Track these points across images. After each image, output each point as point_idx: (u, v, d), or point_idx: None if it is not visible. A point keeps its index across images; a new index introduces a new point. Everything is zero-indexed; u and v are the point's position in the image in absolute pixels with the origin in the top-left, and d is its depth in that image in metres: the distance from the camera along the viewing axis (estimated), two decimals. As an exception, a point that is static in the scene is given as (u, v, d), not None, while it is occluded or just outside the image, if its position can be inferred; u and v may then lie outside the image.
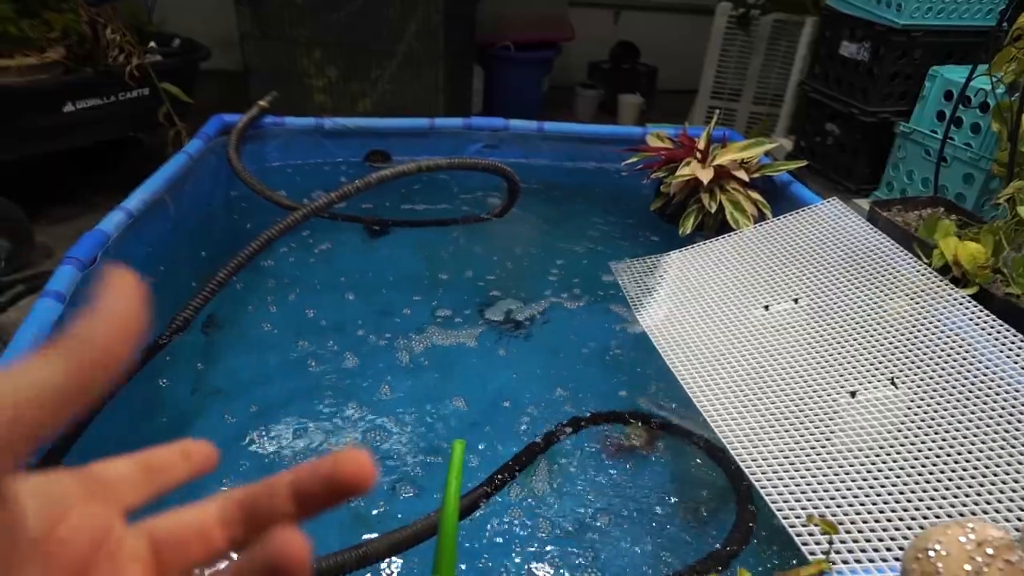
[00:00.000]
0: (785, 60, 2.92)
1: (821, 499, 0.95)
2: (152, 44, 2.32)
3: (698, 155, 1.76)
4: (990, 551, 0.49)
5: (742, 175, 1.70)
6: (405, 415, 1.31)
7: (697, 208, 1.72)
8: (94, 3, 2.03)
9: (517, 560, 1.04)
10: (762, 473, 1.00)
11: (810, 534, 0.86)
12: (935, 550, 0.50)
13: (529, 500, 1.14)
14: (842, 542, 0.87)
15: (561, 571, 1.02)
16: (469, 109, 3.10)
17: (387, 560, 0.94)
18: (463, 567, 1.02)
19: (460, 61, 2.81)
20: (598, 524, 1.10)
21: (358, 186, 1.40)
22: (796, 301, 1.40)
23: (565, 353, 1.51)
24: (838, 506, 0.93)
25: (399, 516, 1.10)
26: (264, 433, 1.25)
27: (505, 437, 1.27)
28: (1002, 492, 0.92)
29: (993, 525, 0.51)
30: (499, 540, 1.06)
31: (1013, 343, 1.16)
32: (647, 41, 3.68)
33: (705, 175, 1.68)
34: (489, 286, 1.72)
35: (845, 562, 0.84)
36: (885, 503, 0.93)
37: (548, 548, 1.06)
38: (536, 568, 1.03)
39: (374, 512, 1.11)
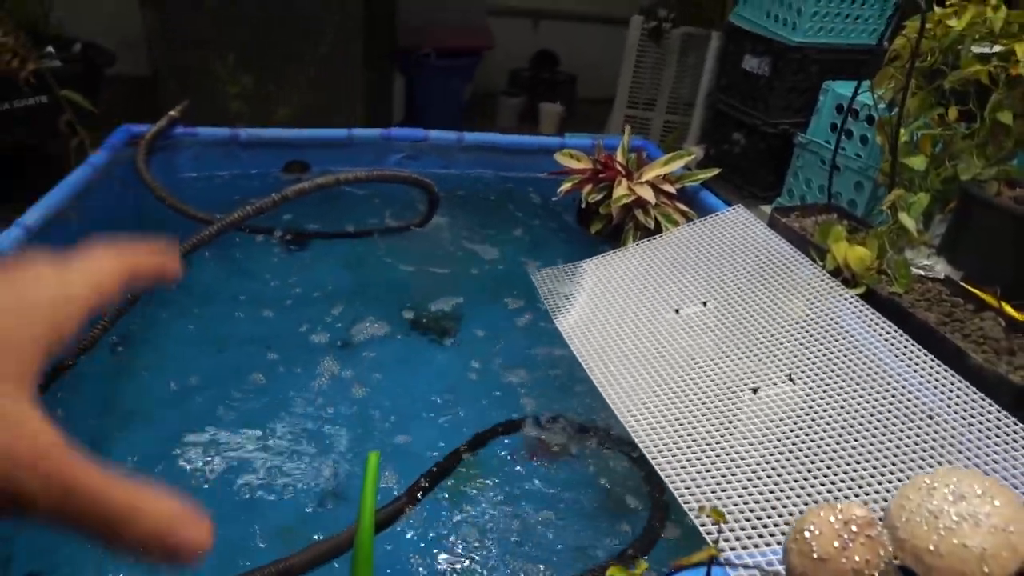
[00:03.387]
0: (695, 72, 3.06)
1: (723, 488, 1.01)
2: (50, 49, 2.21)
3: (621, 170, 1.82)
4: (854, 528, 0.55)
5: (669, 188, 1.77)
6: (330, 427, 1.31)
7: (633, 225, 1.77)
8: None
9: (440, 566, 1.06)
10: (669, 466, 1.06)
11: (707, 516, 0.92)
12: (810, 531, 0.56)
13: (450, 507, 1.16)
14: (737, 522, 0.93)
15: (482, 572, 1.05)
16: (391, 117, 3.10)
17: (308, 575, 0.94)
18: (388, 572, 1.03)
19: (380, 68, 2.81)
20: (517, 525, 1.14)
21: (276, 200, 1.39)
22: (704, 304, 1.48)
23: (491, 360, 1.54)
24: (736, 493, 1.00)
25: (325, 528, 1.10)
26: (184, 452, 1.22)
27: (431, 446, 1.29)
28: (874, 472, 1.01)
29: (858, 504, 0.57)
30: (422, 546, 1.08)
31: (894, 338, 1.27)
32: (566, 50, 3.77)
33: (648, 194, 1.72)
34: (413, 295, 1.73)
35: (741, 544, 0.91)
36: (778, 487, 1.00)
37: (470, 552, 1.08)
38: (458, 572, 1.05)
39: (298, 525, 1.11)
